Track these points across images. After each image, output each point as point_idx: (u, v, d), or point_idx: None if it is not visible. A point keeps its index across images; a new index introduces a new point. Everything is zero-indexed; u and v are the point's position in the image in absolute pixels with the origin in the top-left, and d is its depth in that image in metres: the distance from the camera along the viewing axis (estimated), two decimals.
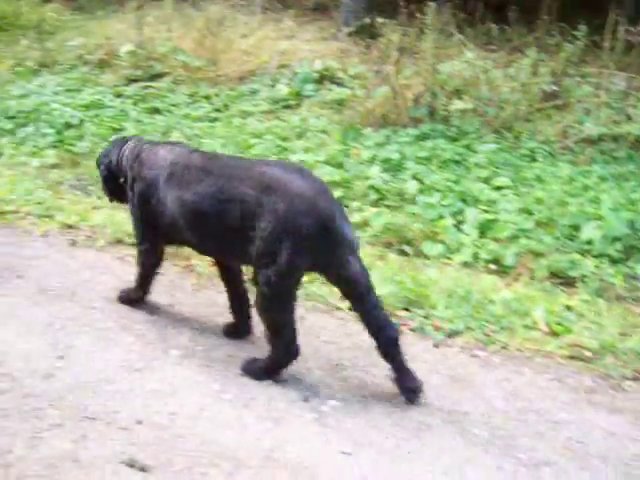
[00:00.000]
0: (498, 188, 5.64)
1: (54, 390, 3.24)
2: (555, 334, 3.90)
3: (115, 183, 3.92)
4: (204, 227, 3.37)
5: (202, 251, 3.65)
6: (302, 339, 3.63)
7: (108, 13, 10.81)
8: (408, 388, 3.26)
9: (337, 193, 5.43)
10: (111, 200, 4.17)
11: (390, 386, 3.32)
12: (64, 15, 11.09)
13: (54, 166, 6.25)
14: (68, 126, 6.96)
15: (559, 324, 3.97)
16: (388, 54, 7.23)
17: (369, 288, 3.23)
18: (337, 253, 3.13)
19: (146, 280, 3.89)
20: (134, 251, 4.52)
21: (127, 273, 4.29)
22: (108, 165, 3.95)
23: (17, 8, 11.02)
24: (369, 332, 3.25)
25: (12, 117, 7.33)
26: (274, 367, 3.35)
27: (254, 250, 3.17)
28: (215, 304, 4.01)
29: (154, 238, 3.72)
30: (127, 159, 3.80)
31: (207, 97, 7.58)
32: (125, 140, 3.99)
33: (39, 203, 5.30)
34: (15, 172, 6.04)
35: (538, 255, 4.78)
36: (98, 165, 4.08)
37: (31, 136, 6.91)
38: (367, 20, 8.77)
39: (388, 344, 3.23)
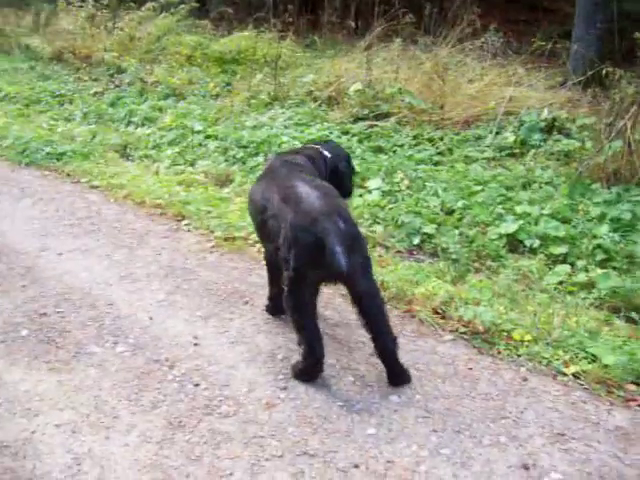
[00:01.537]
0: None
1: (275, 420, 3.34)
2: None
3: None
4: (260, 220, 3.92)
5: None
6: (523, 401, 3.55)
7: (338, 52, 11.16)
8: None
9: (561, 249, 5.23)
10: None
11: (617, 465, 3.12)
12: (296, 52, 11.60)
13: None
14: None
15: None
16: (622, 107, 6.90)
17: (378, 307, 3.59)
18: (332, 270, 3.35)
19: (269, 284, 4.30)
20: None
21: (348, 311, 4.36)
22: None
23: (254, 44, 11.66)
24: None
25: (244, 146, 7.72)
26: (304, 366, 3.63)
27: None
28: (435, 352, 3.97)
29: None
30: None
31: (431, 140, 7.59)
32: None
33: None
34: (244, 199, 6.34)
35: None
36: None
37: (260, 166, 7.22)
38: (599, 69, 8.43)
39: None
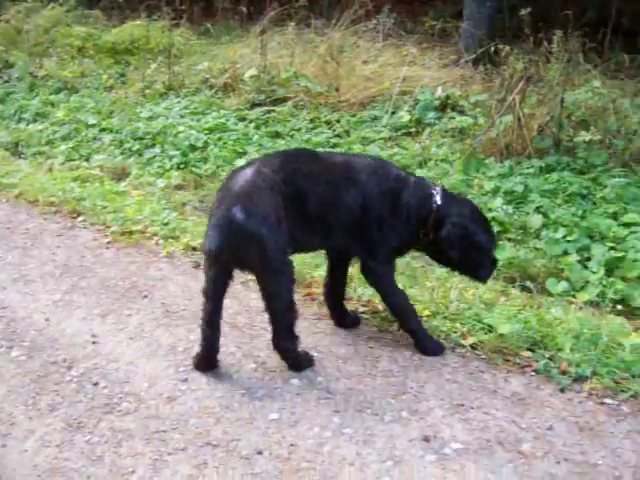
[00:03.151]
0: (627, 224, 5.39)
1: (177, 413, 3.30)
2: None
3: None
4: None
5: None
6: (423, 375, 3.62)
7: (233, 38, 11.06)
8: None
9: None
10: None
11: (515, 430, 3.22)
12: (191, 40, 11.44)
13: (178, 187, 6.42)
14: (193, 148, 7.15)
15: None
16: (512, 82, 7.08)
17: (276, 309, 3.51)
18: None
19: None
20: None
21: (249, 298, 4.35)
22: None
23: (147, 33, 11.44)
24: None
25: (140, 138, 7.60)
26: (200, 356, 3.62)
27: None
28: (335, 333, 4.00)
29: None
30: None
31: (328, 123, 7.63)
32: None
33: (165, 224, 5.44)
34: (142, 192, 6.24)
35: None
36: None
37: (157, 157, 7.15)
38: (489, 47, 8.63)
39: None
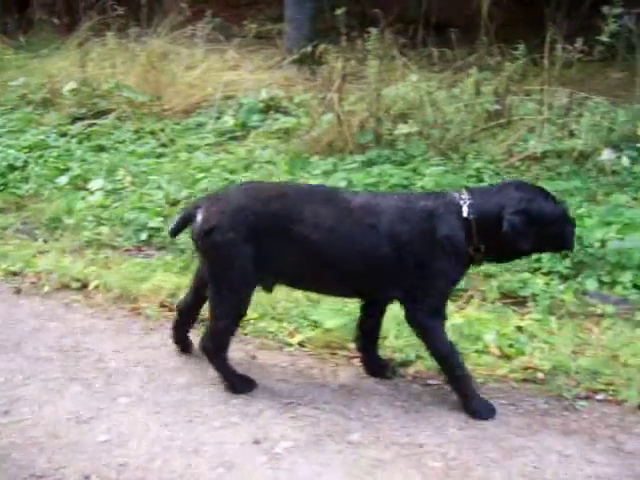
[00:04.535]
0: None
1: None
2: (507, 357, 3.90)
3: None
4: None
5: None
6: (253, 378, 3.64)
7: (51, 51, 10.63)
8: None
9: None
10: None
11: (343, 421, 3.31)
12: (5, 54, 10.92)
13: None
14: (12, 169, 6.84)
15: (511, 346, 3.97)
16: (332, 81, 7.25)
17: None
18: None
19: None
20: (80, 296, 4.53)
21: (73, 320, 4.24)
22: None
23: None
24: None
25: None
26: None
27: None
28: (165, 346, 3.95)
29: None
30: None
31: (153, 132, 7.51)
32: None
33: None
34: None
35: (488, 276, 4.80)
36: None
37: None
38: (310, 48, 8.80)
39: None
